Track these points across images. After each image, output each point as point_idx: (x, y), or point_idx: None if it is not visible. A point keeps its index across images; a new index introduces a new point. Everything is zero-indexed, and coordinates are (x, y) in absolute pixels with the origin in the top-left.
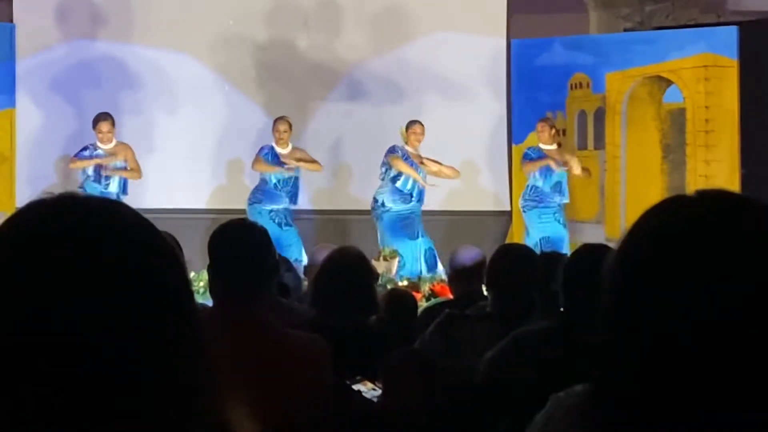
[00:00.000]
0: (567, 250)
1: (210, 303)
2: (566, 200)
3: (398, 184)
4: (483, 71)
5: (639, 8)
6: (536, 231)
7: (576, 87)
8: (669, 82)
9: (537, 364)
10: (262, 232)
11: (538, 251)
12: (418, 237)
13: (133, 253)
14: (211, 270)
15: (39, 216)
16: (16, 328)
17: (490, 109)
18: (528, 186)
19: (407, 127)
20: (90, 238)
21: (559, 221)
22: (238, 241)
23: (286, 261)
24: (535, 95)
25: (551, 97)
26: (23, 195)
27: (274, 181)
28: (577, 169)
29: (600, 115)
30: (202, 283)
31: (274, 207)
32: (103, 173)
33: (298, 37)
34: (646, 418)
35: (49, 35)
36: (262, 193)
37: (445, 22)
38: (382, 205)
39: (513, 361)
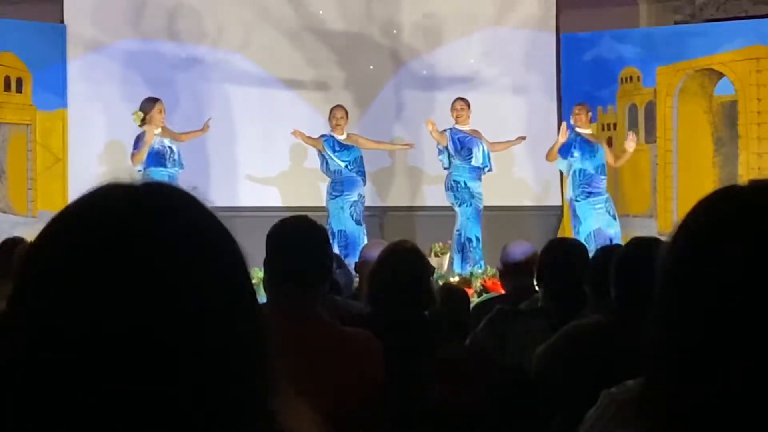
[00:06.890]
0: (620, 242)
1: (261, 299)
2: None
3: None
4: (533, 66)
5: (689, 1)
6: (589, 222)
7: (626, 81)
8: (720, 75)
9: (589, 358)
10: (320, 229)
11: (590, 244)
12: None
13: (187, 241)
14: (268, 265)
15: (89, 208)
16: (70, 321)
17: (540, 103)
18: (574, 171)
19: (451, 108)
20: (142, 227)
21: (609, 212)
22: (296, 238)
23: (338, 258)
24: (585, 89)
25: (601, 91)
26: (75, 195)
27: (343, 164)
28: (631, 144)
29: (650, 109)
30: (254, 280)
31: (353, 197)
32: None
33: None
34: (698, 413)
35: (99, 36)
36: (340, 183)
37: (495, 17)
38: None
39: (564, 355)
